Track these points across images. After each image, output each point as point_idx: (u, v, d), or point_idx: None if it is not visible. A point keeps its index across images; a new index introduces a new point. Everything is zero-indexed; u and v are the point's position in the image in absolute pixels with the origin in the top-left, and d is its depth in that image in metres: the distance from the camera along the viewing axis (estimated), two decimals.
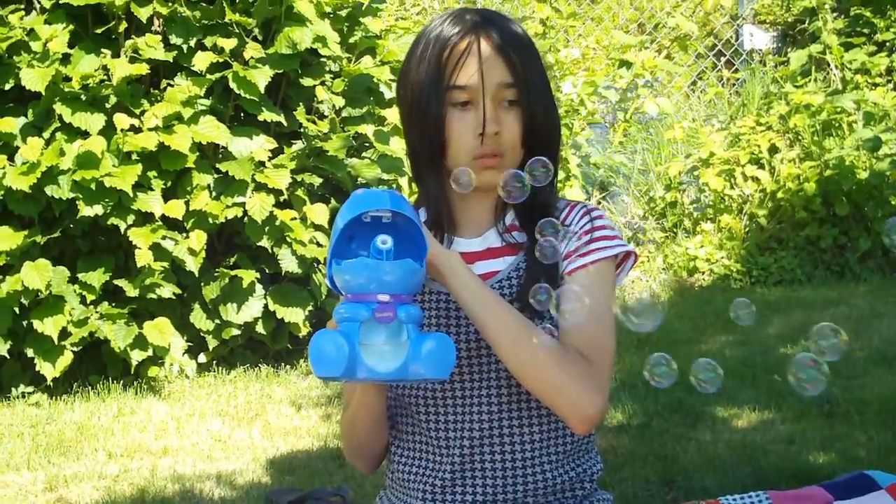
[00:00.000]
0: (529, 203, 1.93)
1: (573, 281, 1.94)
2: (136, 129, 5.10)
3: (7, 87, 5.05)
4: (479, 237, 2.02)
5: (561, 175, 7.14)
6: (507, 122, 1.93)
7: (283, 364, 5.51)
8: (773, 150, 7.31)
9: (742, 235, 7.11)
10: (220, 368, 5.43)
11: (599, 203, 7.58)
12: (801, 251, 7.03)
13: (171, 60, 5.24)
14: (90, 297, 5.08)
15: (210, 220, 5.20)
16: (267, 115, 5.31)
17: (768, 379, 4.87)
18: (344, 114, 5.61)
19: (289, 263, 5.32)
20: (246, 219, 5.27)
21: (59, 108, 4.97)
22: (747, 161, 7.24)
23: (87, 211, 4.95)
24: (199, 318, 5.34)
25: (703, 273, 7.02)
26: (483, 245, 2.01)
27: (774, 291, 6.69)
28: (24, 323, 5.05)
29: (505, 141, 1.93)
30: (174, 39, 5.26)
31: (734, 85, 9.17)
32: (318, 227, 5.35)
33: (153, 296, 5.14)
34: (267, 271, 5.47)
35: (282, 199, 5.33)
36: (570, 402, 1.84)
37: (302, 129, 5.46)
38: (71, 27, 5.12)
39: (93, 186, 4.92)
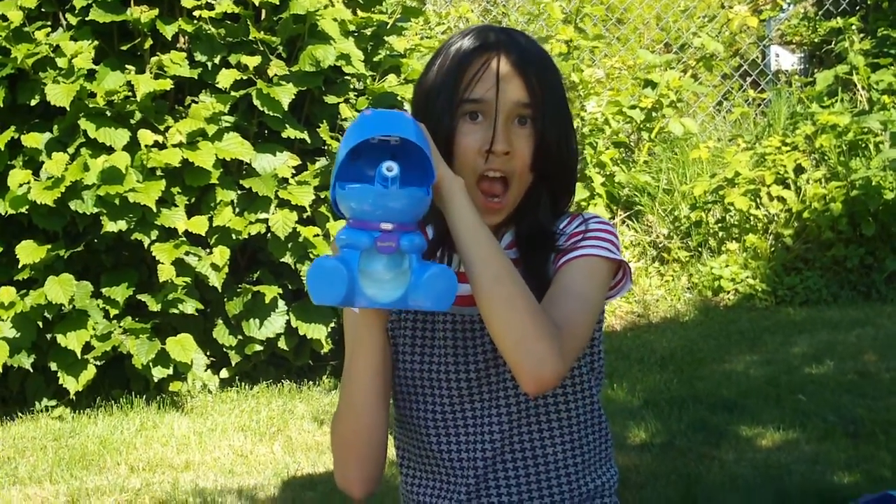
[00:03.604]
0: (528, 228, 1.92)
1: (561, 276, 1.88)
2: (160, 146, 5.12)
3: (33, 102, 5.08)
4: None
5: (586, 194, 7.13)
6: (517, 143, 1.87)
7: (305, 380, 5.51)
8: (799, 170, 7.28)
9: (768, 255, 7.07)
10: (243, 384, 5.44)
11: (624, 222, 7.56)
12: (826, 271, 6.99)
13: (196, 77, 5.27)
14: (113, 312, 5.10)
15: (233, 236, 5.21)
16: (290, 132, 5.32)
17: (793, 399, 4.83)
18: None
19: None
20: (269, 235, 5.28)
21: (84, 123, 5.00)
22: (773, 181, 7.21)
23: (111, 226, 4.97)
24: (221, 334, 5.35)
25: (728, 292, 6.99)
26: None
27: (800, 311, 6.64)
28: (48, 337, 5.07)
29: (514, 163, 1.87)
30: (199, 56, 5.28)
31: (760, 105, 9.14)
32: None
33: (175, 311, 5.15)
34: (290, 287, 5.47)
35: (305, 215, 5.34)
36: (533, 355, 1.72)
37: (325, 147, 5.47)
38: (96, 44, 5.15)
39: (117, 202, 4.94)
